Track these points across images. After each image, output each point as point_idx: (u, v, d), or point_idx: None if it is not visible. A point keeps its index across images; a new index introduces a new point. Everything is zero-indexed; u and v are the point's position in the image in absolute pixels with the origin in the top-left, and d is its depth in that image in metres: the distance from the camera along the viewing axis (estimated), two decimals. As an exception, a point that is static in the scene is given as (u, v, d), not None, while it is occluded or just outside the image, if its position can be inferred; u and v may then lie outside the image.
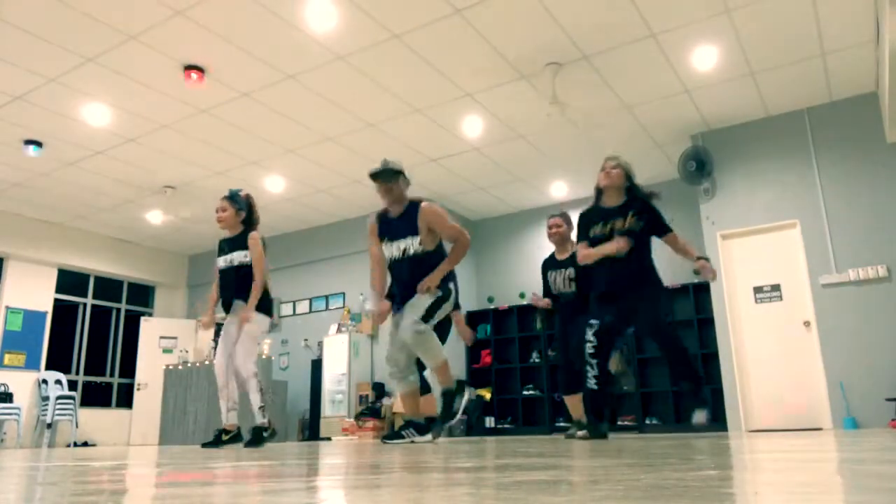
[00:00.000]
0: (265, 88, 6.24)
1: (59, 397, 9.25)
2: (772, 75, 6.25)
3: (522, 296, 9.25)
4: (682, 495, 0.85)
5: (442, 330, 4.20)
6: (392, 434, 4.05)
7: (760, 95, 6.62)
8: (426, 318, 3.77)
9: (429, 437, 4.03)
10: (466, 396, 3.90)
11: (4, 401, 8.82)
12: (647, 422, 8.00)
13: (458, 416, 3.87)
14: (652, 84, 6.35)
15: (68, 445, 9.37)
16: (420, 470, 1.53)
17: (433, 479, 1.24)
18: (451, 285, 3.91)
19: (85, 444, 9.72)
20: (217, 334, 5.93)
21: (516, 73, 6.07)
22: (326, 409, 9.09)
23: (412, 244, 3.85)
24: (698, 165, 7.13)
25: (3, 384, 8.95)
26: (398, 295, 3.95)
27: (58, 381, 9.61)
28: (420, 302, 3.79)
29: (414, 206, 3.92)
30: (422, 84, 6.23)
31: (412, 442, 3.93)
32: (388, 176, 3.94)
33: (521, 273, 9.48)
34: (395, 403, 8.62)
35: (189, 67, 5.80)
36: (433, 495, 0.95)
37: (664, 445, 2.58)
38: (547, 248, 5.51)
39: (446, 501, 0.86)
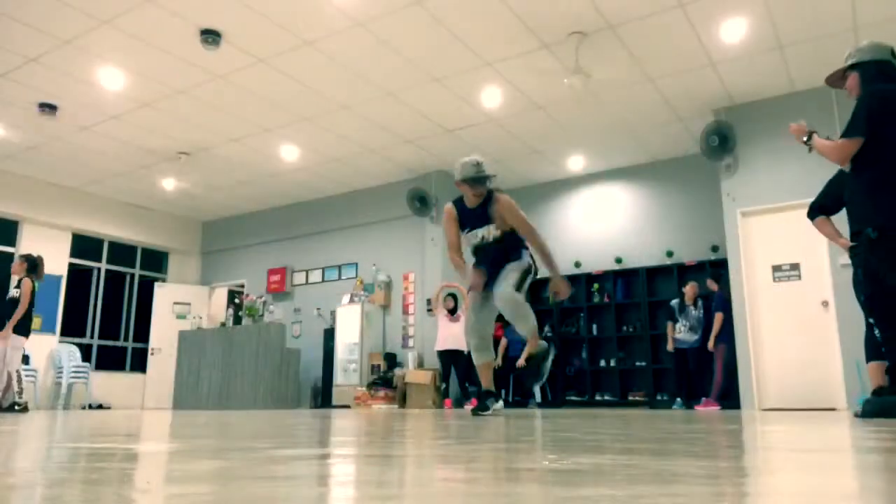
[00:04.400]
0: (282, 54, 6.15)
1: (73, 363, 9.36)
2: (800, 49, 6.08)
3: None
4: (688, 483, 0.84)
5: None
6: (481, 406, 4.20)
7: (787, 70, 6.46)
8: (518, 287, 4.11)
9: (500, 404, 4.40)
10: (552, 356, 4.17)
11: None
12: (659, 398, 7.99)
13: (546, 376, 4.12)
14: (677, 56, 6.20)
15: (83, 407, 9.51)
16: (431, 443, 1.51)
17: (449, 452, 1.21)
18: (530, 258, 4.24)
19: (100, 406, 9.86)
20: None
21: (538, 42, 5.94)
22: (339, 378, 9.15)
23: (491, 231, 4.14)
24: (721, 141, 7.00)
25: (20, 346, 9.04)
26: (486, 274, 4.20)
27: (75, 347, 9.74)
28: (512, 274, 4.12)
29: (488, 197, 4.13)
30: (441, 53, 6.11)
31: (495, 412, 4.20)
32: (483, 182, 4.10)
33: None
34: (408, 374, 8.66)
35: (206, 31, 5.72)
36: (443, 472, 0.92)
37: (673, 429, 2.56)
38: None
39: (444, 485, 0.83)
